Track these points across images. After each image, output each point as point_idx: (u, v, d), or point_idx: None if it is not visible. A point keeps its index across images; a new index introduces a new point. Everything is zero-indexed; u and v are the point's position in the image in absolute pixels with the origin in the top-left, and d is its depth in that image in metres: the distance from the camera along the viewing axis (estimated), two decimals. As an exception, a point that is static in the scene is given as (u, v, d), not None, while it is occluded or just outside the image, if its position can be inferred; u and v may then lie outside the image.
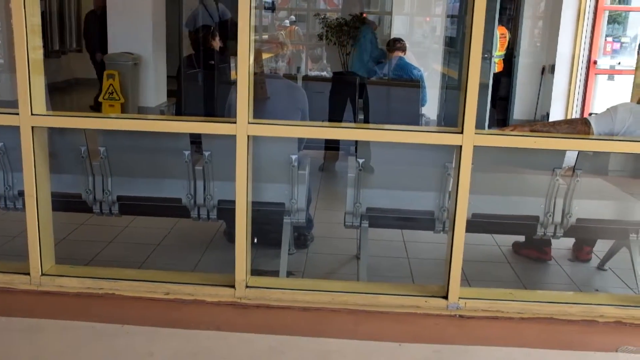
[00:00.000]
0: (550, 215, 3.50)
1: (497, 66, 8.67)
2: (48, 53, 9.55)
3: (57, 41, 10.31)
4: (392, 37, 7.93)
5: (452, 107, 7.32)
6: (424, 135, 3.26)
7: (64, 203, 3.55)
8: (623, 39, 9.53)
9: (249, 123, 3.00)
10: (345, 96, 6.87)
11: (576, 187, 3.47)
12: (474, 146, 2.97)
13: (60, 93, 9.52)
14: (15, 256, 3.63)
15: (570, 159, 3.52)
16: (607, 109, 3.53)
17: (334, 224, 4.37)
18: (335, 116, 6.72)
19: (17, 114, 3.07)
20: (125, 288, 3.22)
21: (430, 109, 7.30)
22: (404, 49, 6.70)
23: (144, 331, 2.94)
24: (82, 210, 3.79)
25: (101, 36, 8.23)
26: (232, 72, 7.27)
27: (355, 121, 6.57)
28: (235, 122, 3.01)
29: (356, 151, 3.52)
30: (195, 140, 3.58)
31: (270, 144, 3.43)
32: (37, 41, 3.08)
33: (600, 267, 4.16)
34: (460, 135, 2.97)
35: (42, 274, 3.25)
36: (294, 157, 3.48)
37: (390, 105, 6.59)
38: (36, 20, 3.06)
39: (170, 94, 8.51)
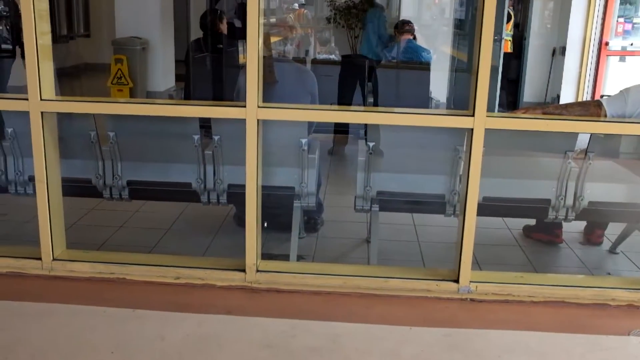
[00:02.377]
0: (562, 199, 3.48)
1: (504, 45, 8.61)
2: (56, 38, 9.54)
3: (64, 26, 10.29)
4: (400, 19, 7.89)
5: (461, 90, 7.27)
6: (435, 119, 3.24)
7: (74, 188, 3.55)
8: (635, 20, 9.43)
9: (258, 107, 2.99)
10: (354, 79, 6.84)
11: (588, 170, 3.44)
12: (485, 129, 2.95)
13: (69, 78, 9.51)
14: (27, 241, 3.64)
15: (581, 141, 3.49)
16: (620, 91, 3.49)
17: (344, 208, 4.36)
18: (344, 100, 6.70)
19: (27, 99, 3.07)
20: (136, 272, 3.23)
21: (440, 91, 7.26)
22: (412, 32, 6.65)
23: (155, 315, 2.94)
24: (92, 195, 3.80)
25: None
26: (241, 56, 7.27)
27: (364, 104, 6.53)
28: (244, 106, 2.99)
29: (366, 134, 3.50)
30: (205, 124, 3.57)
31: (280, 128, 3.41)
32: (45, 26, 3.07)
33: (612, 250, 4.13)
34: (472, 118, 2.94)
35: (54, 259, 3.27)
36: (304, 141, 3.47)
37: (399, 88, 6.55)
38: (44, 5, 3.05)
39: (178, 78, 8.50)
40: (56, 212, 3.27)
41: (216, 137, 3.50)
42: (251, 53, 2.95)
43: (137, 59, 7.87)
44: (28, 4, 2.96)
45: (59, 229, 3.32)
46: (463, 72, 8.17)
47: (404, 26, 6.68)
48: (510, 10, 8.65)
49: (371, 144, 3.43)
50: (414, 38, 6.63)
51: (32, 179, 3.53)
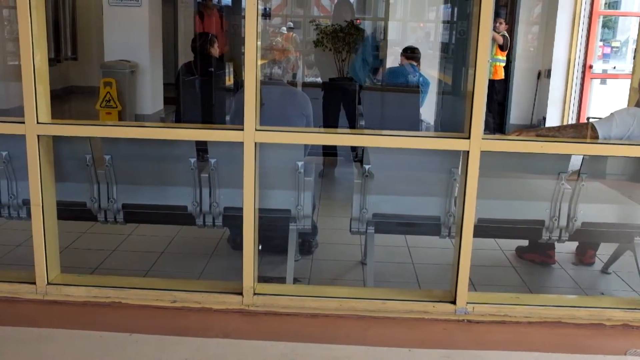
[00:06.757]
0: (555, 220, 3.51)
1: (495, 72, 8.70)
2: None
3: (52, 49, 10.26)
4: (387, 42, 8.00)
5: (447, 113, 7.33)
6: (432, 141, 3.28)
7: (68, 211, 3.53)
8: (613, 43, 9.61)
9: (256, 130, 3.00)
10: (339, 102, 6.87)
11: (581, 191, 3.47)
12: (481, 151, 2.98)
13: (58, 101, 9.47)
14: (19, 265, 3.62)
15: (572, 163, 3.53)
16: (611, 114, 3.55)
17: (337, 230, 4.38)
18: (330, 122, 6.71)
19: (23, 122, 3.06)
20: (132, 296, 3.21)
21: (428, 114, 7.31)
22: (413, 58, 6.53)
23: (152, 340, 2.92)
24: (86, 219, 3.77)
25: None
26: (226, 78, 7.31)
27: (355, 127, 6.56)
28: (242, 129, 3.01)
29: (362, 157, 3.52)
30: (200, 147, 3.57)
31: (277, 151, 3.42)
32: (42, 51, 3.07)
33: (605, 270, 4.16)
34: (468, 140, 2.98)
35: (48, 283, 3.24)
36: (300, 163, 3.48)
37: (389, 111, 6.58)
38: (42, 29, 3.05)
39: (166, 101, 8.50)
40: (51, 235, 3.25)
41: (212, 160, 3.50)
42: (249, 76, 2.97)
43: (125, 82, 7.86)
44: (26, 30, 2.97)
45: (54, 253, 3.30)
46: (448, 94, 8.24)
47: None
48: (506, 34, 8.69)
49: (367, 167, 3.45)
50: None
51: (26, 202, 3.52)
